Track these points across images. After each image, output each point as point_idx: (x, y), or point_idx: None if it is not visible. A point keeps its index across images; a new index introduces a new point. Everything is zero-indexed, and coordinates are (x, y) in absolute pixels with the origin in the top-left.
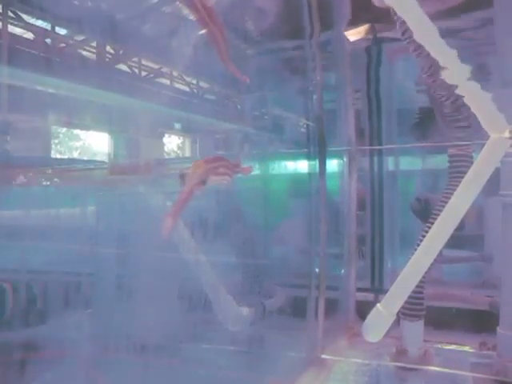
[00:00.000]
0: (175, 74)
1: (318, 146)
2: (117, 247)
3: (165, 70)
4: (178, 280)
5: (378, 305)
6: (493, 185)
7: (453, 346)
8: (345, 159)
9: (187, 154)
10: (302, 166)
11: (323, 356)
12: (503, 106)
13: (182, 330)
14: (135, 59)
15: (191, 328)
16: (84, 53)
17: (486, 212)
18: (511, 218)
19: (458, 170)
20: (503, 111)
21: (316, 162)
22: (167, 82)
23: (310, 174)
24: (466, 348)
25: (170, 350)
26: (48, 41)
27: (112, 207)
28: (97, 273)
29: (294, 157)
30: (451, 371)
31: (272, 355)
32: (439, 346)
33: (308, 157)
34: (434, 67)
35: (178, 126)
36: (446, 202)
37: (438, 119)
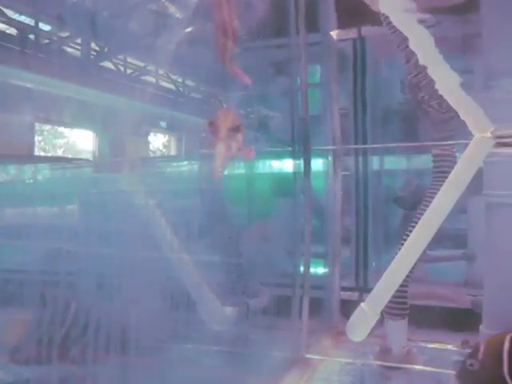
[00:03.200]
0: (161, 72)
1: (302, 145)
2: (98, 246)
3: (150, 67)
4: (160, 279)
5: (362, 304)
6: (476, 184)
7: (436, 345)
8: (329, 158)
9: (173, 152)
10: (287, 165)
11: (308, 355)
12: (486, 106)
13: (164, 330)
14: (120, 57)
15: (174, 328)
16: (68, 49)
17: (469, 211)
18: (494, 217)
19: (441, 169)
20: (486, 112)
21: (301, 161)
22: (153, 79)
23: (294, 173)
24: (449, 346)
25: (151, 350)
26: (31, 37)
27: (94, 206)
28: (77, 272)
29: (279, 156)
30: (434, 369)
31: (256, 355)
32: (423, 344)
33: (293, 156)
34: (419, 67)
35: (163, 124)
36: (430, 202)
37: (422, 119)
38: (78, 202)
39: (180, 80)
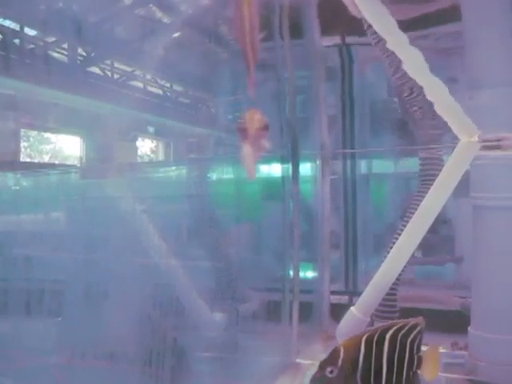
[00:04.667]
0: (148, 77)
1: (291, 150)
2: (87, 253)
3: (138, 72)
4: (149, 285)
5: (352, 308)
6: (463, 187)
7: (425, 347)
8: (318, 162)
9: (160, 157)
10: (276, 169)
11: (298, 360)
12: (471, 111)
13: (153, 337)
14: (107, 62)
15: (163, 334)
16: (55, 54)
17: (457, 213)
18: (481, 219)
19: (428, 172)
20: (471, 117)
21: (289, 166)
22: (140, 84)
23: (283, 177)
24: (439, 348)
25: (140, 357)
26: (17, 42)
27: (82, 212)
28: (66, 279)
29: (268, 160)
30: None
31: (246, 360)
32: None
33: (281, 160)
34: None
35: (151, 129)
36: (418, 205)
37: (408, 122)
38: (65, 208)
39: (168, 85)
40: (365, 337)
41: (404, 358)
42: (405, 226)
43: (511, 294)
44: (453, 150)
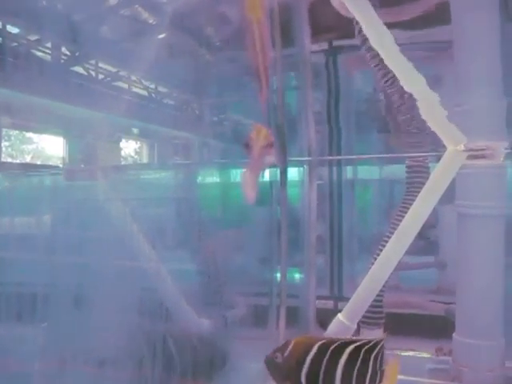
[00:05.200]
0: (133, 78)
1: (279, 155)
2: (73, 257)
3: (123, 73)
4: (137, 291)
5: (339, 315)
6: (448, 193)
7: (410, 353)
8: (305, 168)
9: (145, 159)
10: (263, 174)
11: None
12: (457, 119)
13: (140, 343)
14: (92, 61)
15: (150, 340)
16: (38, 53)
17: (441, 219)
18: (466, 227)
19: (415, 180)
20: (459, 123)
21: (277, 171)
22: (125, 85)
23: (271, 182)
24: (424, 354)
25: (128, 364)
26: None
27: (68, 215)
28: (51, 284)
29: None
30: (410, 378)
31: (234, 367)
32: (397, 352)
33: (269, 165)
34: (391, 78)
35: (135, 130)
36: (404, 212)
37: (393, 128)
38: (48, 210)
39: (152, 86)
40: (321, 342)
41: (366, 372)
42: (391, 233)
43: (495, 300)
44: (438, 158)
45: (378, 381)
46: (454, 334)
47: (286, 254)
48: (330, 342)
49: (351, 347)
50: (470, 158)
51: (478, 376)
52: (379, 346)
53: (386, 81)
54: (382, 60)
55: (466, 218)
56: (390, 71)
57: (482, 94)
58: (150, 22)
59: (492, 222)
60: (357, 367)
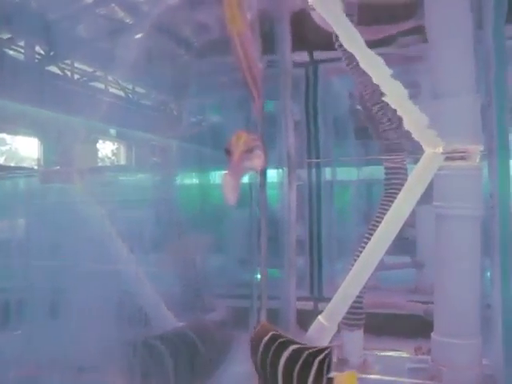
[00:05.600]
0: (110, 78)
1: None
2: (48, 260)
3: (99, 73)
4: (114, 295)
5: (320, 317)
6: (425, 194)
7: (390, 353)
8: (284, 169)
9: (122, 160)
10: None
11: None
12: (434, 117)
13: (118, 348)
14: (67, 61)
15: (128, 345)
16: (11, 52)
17: (419, 220)
18: (443, 227)
19: (393, 181)
20: (434, 122)
21: (257, 173)
22: (102, 86)
23: (250, 184)
24: (403, 353)
25: (105, 369)
26: None
27: (42, 218)
28: (26, 288)
29: None
30: (390, 378)
31: (215, 370)
32: (378, 353)
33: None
34: (370, 85)
35: (112, 131)
36: (383, 213)
37: (372, 131)
38: (23, 213)
39: (130, 87)
40: (276, 332)
41: (308, 374)
42: (370, 234)
43: (472, 299)
44: (415, 161)
45: None
46: (432, 334)
47: (266, 256)
48: (283, 336)
49: (296, 346)
50: (447, 159)
51: (457, 375)
52: (325, 353)
53: (367, 93)
54: (363, 72)
55: (444, 219)
56: (370, 83)
57: (457, 100)
58: (127, 21)
59: (469, 222)
60: (298, 365)
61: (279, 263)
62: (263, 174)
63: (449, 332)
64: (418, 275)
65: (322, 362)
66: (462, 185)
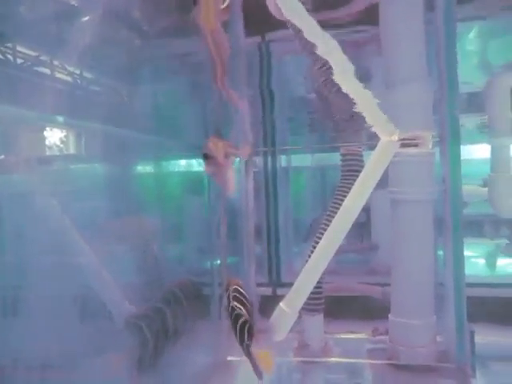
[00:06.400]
0: (56, 62)
1: None
2: None
3: (44, 58)
4: (70, 288)
5: (281, 304)
6: (380, 179)
7: (350, 335)
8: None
9: (71, 149)
10: (201, 164)
11: (229, 358)
12: (387, 106)
13: (78, 343)
14: (8, 44)
15: (89, 340)
16: None
17: (373, 204)
18: (398, 212)
19: (349, 168)
20: (387, 111)
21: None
22: (47, 71)
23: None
24: (362, 335)
25: (66, 366)
26: None
27: None
28: None
29: (192, 155)
30: (350, 360)
31: (177, 361)
32: (337, 336)
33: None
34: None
35: (60, 118)
36: (340, 199)
37: (325, 117)
38: None
39: (77, 72)
40: (235, 286)
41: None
42: (329, 220)
43: (427, 280)
44: (370, 148)
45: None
46: (389, 315)
47: (225, 243)
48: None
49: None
50: (402, 146)
51: (413, 353)
52: (241, 320)
53: (323, 80)
54: (323, 63)
55: (399, 204)
56: (327, 72)
57: (409, 86)
58: (74, 3)
59: (422, 206)
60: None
61: (238, 250)
62: (248, 163)
63: (405, 313)
64: (373, 257)
65: (242, 327)
66: (415, 170)
